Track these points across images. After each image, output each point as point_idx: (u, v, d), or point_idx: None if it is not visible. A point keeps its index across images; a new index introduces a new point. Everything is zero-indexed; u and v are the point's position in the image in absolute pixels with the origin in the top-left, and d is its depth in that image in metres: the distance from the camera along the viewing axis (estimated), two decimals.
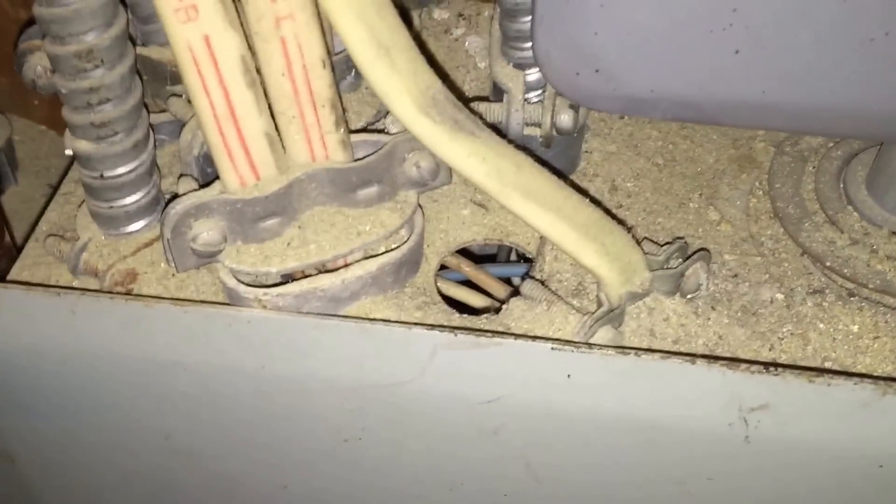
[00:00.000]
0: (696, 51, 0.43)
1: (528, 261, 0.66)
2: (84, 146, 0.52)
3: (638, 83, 0.46)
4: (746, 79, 0.44)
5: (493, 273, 0.68)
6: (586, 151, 0.67)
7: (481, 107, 0.59)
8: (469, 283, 0.68)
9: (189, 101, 0.53)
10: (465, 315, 0.57)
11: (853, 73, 0.42)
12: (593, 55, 0.45)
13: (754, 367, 0.48)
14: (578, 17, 0.44)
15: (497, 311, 0.57)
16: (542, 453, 0.56)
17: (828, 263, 0.57)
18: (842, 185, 0.61)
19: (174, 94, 0.60)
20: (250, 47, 0.47)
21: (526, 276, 0.59)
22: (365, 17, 0.44)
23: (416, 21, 0.70)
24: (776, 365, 0.49)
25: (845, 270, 0.56)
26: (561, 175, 0.62)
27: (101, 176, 0.54)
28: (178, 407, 0.59)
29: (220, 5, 0.44)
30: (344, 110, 0.53)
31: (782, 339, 0.55)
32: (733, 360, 0.49)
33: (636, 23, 0.43)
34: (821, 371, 0.48)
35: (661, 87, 0.45)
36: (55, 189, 0.66)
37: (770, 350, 0.54)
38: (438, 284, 0.62)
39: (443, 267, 0.63)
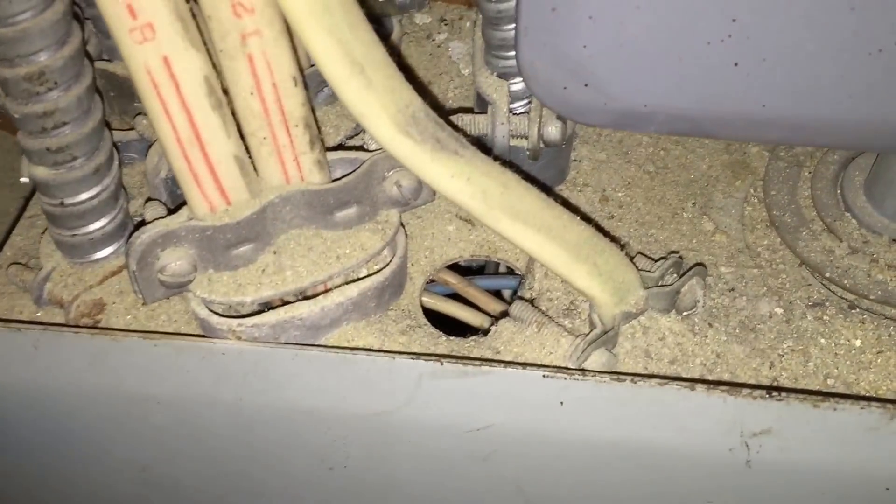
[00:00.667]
0: (693, 63, 0.40)
1: (518, 273, 0.64)
2: (42, 173, 0.49)
3: (631, 97, 0.43)
4: (746, 92, 0.41)
5: (483, 286, 0.65)
6: (575, 160, 0.64)
7: (465, 119, 0.57)
8: (458, 296, 0.65)
9: None
10: (452, 338, 0.55)
11: (859, 84, 0.40)
12: (582, 68, 0.43)
13: (756, 393, 0.46)
14: (566, 29, 0.41)
15: (486, 332, 0.54)
16: (535, 479, 0.54)
17: (827, 274, 0.55)
18: (839, 191, 0.58)
19: (141, 113, 0.57)
20: (215, 66, 0.44)
21: (515, 295, 0.56)
22: (336, 32, 0.41)
23: (396, 27, 0.67)
24: (779, 389, 0.47)
25: (845, 281, 0.54)
26: (549, 189, 0.60)
27: (62, 203, 0.51)
28: (153, 439, 0.56)
29: (179, 24, 0.41)
30: (319, 127, 0.50)
31: (783, 355, 0.53)
32: (734, 385, 0.47)
33: (629, 35, 0.40)
34: (826, 395, 0.46)
35: (655, 101, 0.43)
36: (21, 210, 0.63)
37: (770, 368, 0.52)
38: (426, 300, 0.60)
39: (430, 281, 0.61)
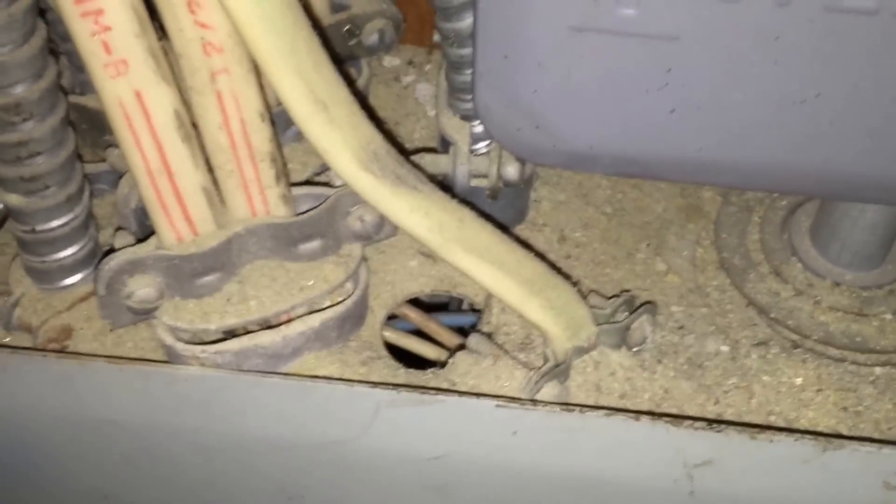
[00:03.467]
0: (632, 110, 0.43)
1: (479, 310, 0.66)
2: (15, 200, 0.51)
3: (577, 140, 0.46)
4: (683, 137, 0.44)
5: (445, 322, 0.67)
6: (535, 200, 0.66)
7: (427, 158, 0.59)
8: (421, 332, 0.67)
9: None
10: (410, 370, 0.56)
11: (786, 133, 0.43)
12: (533, 112, 0.45)
13: (698, 424, 0.48)
14: (517, 75, 0.44)
15: (443, 365, 0.56)
16: None
17: (772, 315, 0.57)
18: (786, 236, 0.61)
19: (112, 145, 0.59)
20: (185, 101, 0.46)
21: (473, 329, 0.58)
22: (301, 72, 0.43)
23: (365, 69, 0.70)
24: (719, 422, 0.49)
25: (789, 322, 0.57)
26: (506, 227, 0.62)
27: (34, 230, 0.52)
28: (116, 466, 0.57)
29: (151, 60, 0.43)
30: (286, 163, 0.52)
31: (727, 392, 0.55)
32: (677, 417, 0.49)
33: (574, 82, 0.43)
34: (763, 428, 0.48)
35: (600, 144, 0.45)
36: None
37: (715, 404, 0.54)
38: (388, 334, 0.61)
39: (393, 316, 0.63)
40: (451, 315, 0.76)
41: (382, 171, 0.47)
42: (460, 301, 0.78)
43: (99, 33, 0.41)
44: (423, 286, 0.61)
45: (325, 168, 0.61)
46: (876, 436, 0.52)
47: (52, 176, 0.51)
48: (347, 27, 0.67)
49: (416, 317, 0.64)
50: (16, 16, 0.44)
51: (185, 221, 0.49)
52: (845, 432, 0.52)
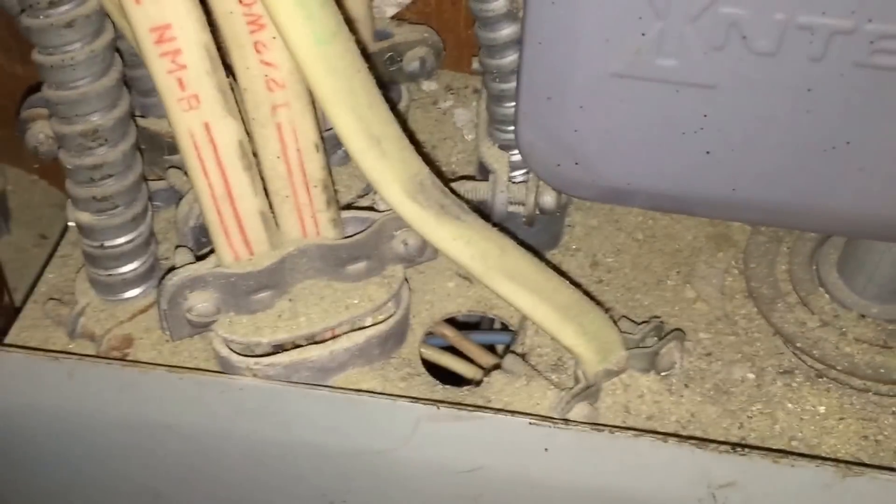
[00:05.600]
0: (669, 150, 0.46)
1: (510, 329, 0.68)
2: (85, 218, 0.55)
3: (615, 176, 0.48)
4: (717, 177, 0.46)
5: (478, 340, 0.70)
6: (569, 225, 0.69)
7: (468, 185, 0.62)
8: (455, 349, 0.70)
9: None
10: (447, 386, 0.59)
11: (817, 176, 0.45)
12: (573, 149, 0.48)
13: (722, 448, 0.50)
14: (560, 116, 0.47)
15: (478, 383, 0.59)
16: None
17: (798, 344, 0.59)
18: (814, 267, 0.63)
19: (173, 166, 0.62)
20: (248, 131, 0.50)
21: (508, 350, 0.61)
22: (356, 110, 0.46)
23: (405, 94, 0.73)
24: (743, 446, 0.51)
25: (814, 352, 0.59)
26: (541, 252, 0.65)
27: (102, 246, 0.56)
28: (169, 468, 0.60)
29: (219, 95, 0.47)
30: (336, 189, 0.55)
31: (751, 417, 0.57)
32: (703, 440, 0.51)
33: (613, 123, 0.46)
34: (785, 453, 0.50)
35: (637, 181, 0.48)
36: (53, 249, 0.68)
37: (739, 428, 0.56)
38: (424, 351, 0.64)
39: (429, 334, 0.65)
40: (485, 333, 0.78)
41: (428, 202, 0.50)
42: (492, 319, 0.80)
43: (175, 71, 0.45)
44: (460, 306, 0.64)
45: (367, 191, 0.64)
46: (895, 464, 0.54)
47: (120, 196, 0.54)
48: (389, 54, 0.70)
49: (452, 335, 0.67)
50: (97, 51, 0.48)
51: (242, 242, 0.53)
52: (865, 460, 0.54)
